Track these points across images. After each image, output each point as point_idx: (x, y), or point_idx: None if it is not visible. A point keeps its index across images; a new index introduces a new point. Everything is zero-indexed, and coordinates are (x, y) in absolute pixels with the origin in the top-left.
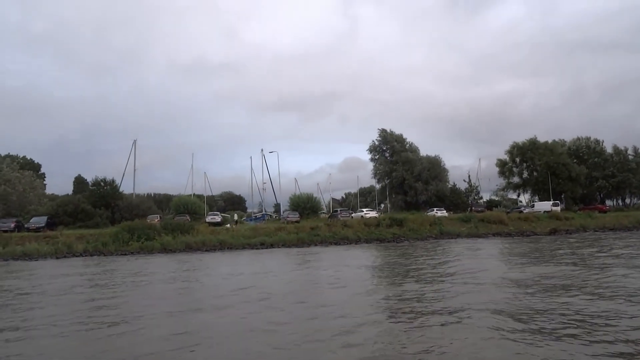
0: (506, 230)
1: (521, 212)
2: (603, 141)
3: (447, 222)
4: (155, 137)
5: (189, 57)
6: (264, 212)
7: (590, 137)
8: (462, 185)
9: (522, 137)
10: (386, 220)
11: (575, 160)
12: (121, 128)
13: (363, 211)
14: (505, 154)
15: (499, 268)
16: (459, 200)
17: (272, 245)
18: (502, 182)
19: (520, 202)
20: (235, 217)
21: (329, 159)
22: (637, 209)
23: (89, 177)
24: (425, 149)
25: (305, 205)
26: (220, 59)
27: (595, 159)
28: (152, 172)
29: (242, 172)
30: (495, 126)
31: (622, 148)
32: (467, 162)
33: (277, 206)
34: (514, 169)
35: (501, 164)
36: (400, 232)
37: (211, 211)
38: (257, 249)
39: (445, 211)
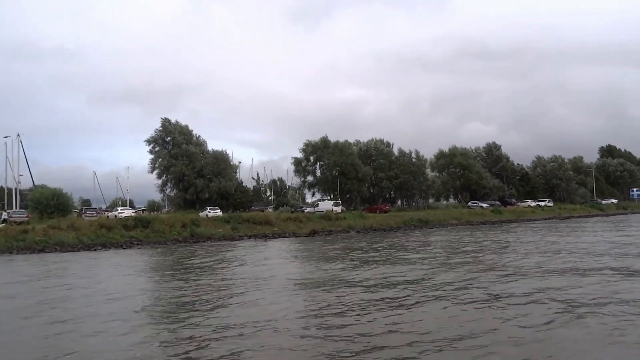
0: (267, 232)
1: (303, 211)
2: (392, 144)
3: (206, 223)
4: None
5: (17, 36)
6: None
7: (383, 139)
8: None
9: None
10: (130, 220)
11: (368, 161)
12: None
13: (117, 210)
14: (300, 151)
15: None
16: (244, 199)
17: None
18: (298, 180)
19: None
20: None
21: None
22: (417, 209)
23: None
24: (276, 147)
25: (48, 202)
26: (57, 42)
27: (382, 160)
28: None
29: (81, 163)
30: (342, 128)
31: (407, 151)
32: None
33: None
34: (309, 168)
35: (296, 162)
36: (142, 234)
37: None
38: None
39: (219, 211)
